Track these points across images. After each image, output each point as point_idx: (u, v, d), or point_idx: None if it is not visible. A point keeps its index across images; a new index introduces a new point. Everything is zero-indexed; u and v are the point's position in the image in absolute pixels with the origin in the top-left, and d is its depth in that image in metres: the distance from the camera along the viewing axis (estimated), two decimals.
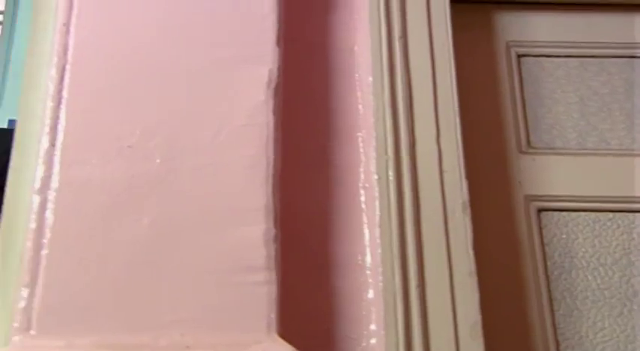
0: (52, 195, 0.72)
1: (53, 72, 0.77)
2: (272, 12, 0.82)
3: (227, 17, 0.82)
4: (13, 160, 0.76)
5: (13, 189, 0.74)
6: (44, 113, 0.75)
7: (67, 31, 0.79)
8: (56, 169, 0.73)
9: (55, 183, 0.72)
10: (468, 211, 0.81)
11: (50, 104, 0.75)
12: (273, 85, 0.79)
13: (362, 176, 0.83)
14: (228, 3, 0.82)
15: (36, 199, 0.71)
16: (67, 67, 0.77)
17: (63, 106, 0.76)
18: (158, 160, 0.74)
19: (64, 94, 0.76)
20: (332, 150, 0.85)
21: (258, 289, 0.69)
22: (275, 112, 0.77)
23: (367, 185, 0.82)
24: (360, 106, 0.87)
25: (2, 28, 6.07)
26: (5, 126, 5.46)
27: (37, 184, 0.72)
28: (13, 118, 5.45)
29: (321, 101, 0.87)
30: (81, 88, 0.77)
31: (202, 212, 0.72)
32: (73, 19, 0.79)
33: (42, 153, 0.73)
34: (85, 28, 0.79)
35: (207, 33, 0.80)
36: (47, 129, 0.75)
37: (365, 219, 0.81)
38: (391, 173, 0.81)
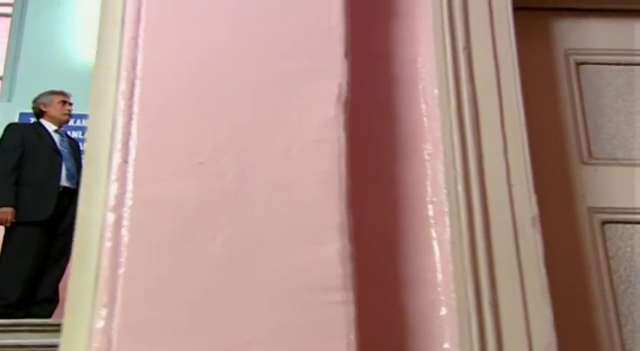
0: (126, 212, 0.72)
1: (123, 86, 0.77)
2: (339, 24, 0.81)
3: (294, 30, 0.81)
4: (83, 176, 0.76)
5: (85, 206, 0.74)
6: (115, 129, 0.75)
7: (136, 45, 0.78)
8: (130, 186, 0.73)
9: (129, 200, 0.72)
10: (538, 226, 0.80)
11: (121, 120, 0.75)
12: (343, 99, 0.78)
13: (429, 190, 0.82)
14: (295, 15, 0.81)
15: (110, 217, 0.71)
16: (137, 81, 0.77)
17: (134, 122, 0.75)
18: (230, 177, 0.74)
19: (135, 109, 0.76)
20: (397, 163, 0.84)
21: (335, 309, 0.69)
22: (346, 128, 0.77)
23: (435, 199, 0.82)
24: (424, 119, 0.86)
25: (11, 22, 6.04)
26: (17, 119, 5.47)
27: (112, 202, 0.72)
28: (24, 111, 5.43)
29: (385, 114, 0.86)
30: (151, 103, 0.76)
31: (276, 230, 0.72)
32: (141, 33, 0.79)
33: (115, 169, 0.73)
34: (153, 41, 0.79)
35: (275, 46, 0.80)
36: (119, 145, 0.74)
37: (434, 234, 0.80)
38: (460, 188, 0.80)
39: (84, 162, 0.76)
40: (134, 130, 0.75)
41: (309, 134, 0.76)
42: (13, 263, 3.75)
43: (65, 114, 4.15)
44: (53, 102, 4.12)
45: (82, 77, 5.55)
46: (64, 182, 3.95)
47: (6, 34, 6.10)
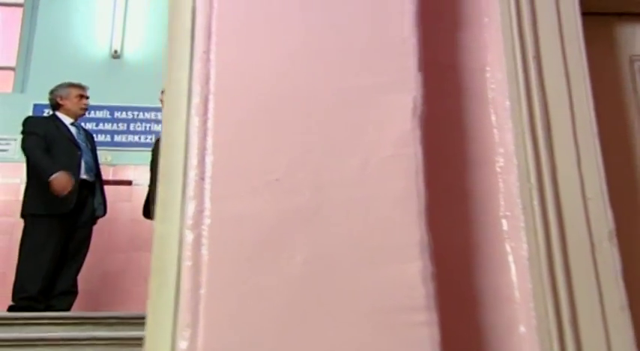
0: (205, 231, 0.71)
1: (197, 101, 0.76)
2: (412, 35, 0.80)
3: (367, 42, 0.79)
4: (159, 193, 0.75)
5: (162, 224, 0.73)
6: (190, 145, 0.74)
7: (208, 60, 0.77)
8: (207, 203, 0.72)
9: (207, 218, 0.71)
10: (615, 240, 0.78)
11: (196, 136, 0.74)
12: (418, 113, 0.77)
13: (502, 204, 0.81)
14: (367, 27, 0.80)
15: (189, 236, 0.71)
16: (210, 96, 0.76)
17: (209, 138, 0.74)
18: (307, 194, 0.73)
19: (209, 125, 0.75)
20: (468, 177, 0.82)
21: (419, 330, 0.68)
22: (422, 142, 0.75)
23: (508, 214, 0.80)
24: (495, 130, 0.85)
25: (23, 11, 6.02)
26: (30, 111, 5.45)
27: (190, 220, 0.71)
28: (38, 102, 5.43)
29: (453, 125, 0.85)
30: (225, 119, 0.75)
31: (355, 248, 0.71)
32: (213, 47, 0.78)
33: (192, 187, 0.72)
34: (225, 56, 0.77)
35: (348, 59, 0.78)
36: (195, 162, 0.73)
37: (509, 249, 0.79)
38: (536, 202, 0.79)
39: (159, 178, 0.75)
40: (209, 147, 0.74)
41: (386, 149, 0.75)
42: (34, 255, 3.76)
43: (82, 108, 4.15)
44: (70, 95, 4.11)
45: (97, 68, 5.54)
46: (83, 175, 3.96)
47: (18, 24, 6.08)
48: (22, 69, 5.90)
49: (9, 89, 5.91)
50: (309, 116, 0.76)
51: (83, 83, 4.41)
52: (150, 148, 5.33)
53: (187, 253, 0.70)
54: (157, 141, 4.26)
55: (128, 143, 5.45)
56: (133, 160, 5.39)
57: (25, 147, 3.91)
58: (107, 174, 4.77)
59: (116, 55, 5.68)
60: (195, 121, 0.75)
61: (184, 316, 0.68)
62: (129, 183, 5.30)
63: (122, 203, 4.67)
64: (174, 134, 0.76)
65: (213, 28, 0.79)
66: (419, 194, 0.73)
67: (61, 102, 4.13)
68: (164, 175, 0.76)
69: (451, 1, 0.90)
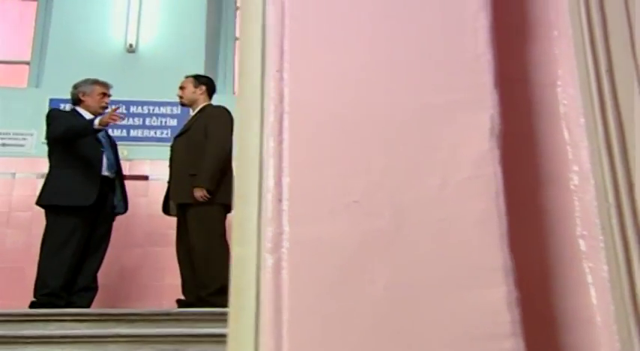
0: (285, 254, 0.70)
1: (271, 120, 0.74)
2: (487, 51, 0.78)
3: (440, 59, 0.78)
4: (235, 214, 0.74)
5: (239, 246, 0.72)
6: (265, 166, 0.73)
7: (281, 78, 0.76)
8: (286, 226, 0.71)
9: (286, 242, 0.70)
10: None
11: (272, 157, 0.73)
12: (496, 131, 0.75)
13: (578, 224, 0.80)
14: (440, 44, 0.78)
15: (269, 259, 0.70)
16: (285, 116, 0.75)
17: (285, 158, 0.73)
18: (386, 216, 0.72)
19: (285, 145, 0.74)
20: (542, 196, 0.81)
21: None
22: (501, 162, 0.74)
23: (585, 233, 0.79)
24: (568, 147, 0.83)
25: (38, 5, 6.00)
26: (46, 106, 5.46)
27: (269, 243, 0.70)
28: (54, 97, 5.44)
29: (525, 143, 0.83)
30: (301, 139, 0.74)
31: (436, 273, 0.70)
32: (286, 65, 0.76)
33: (269, 209, 0.71)
34: (298, 75, 0.76)
35: (422, 76, 0.77)
36: (271, 183, 0.72)
37: (587, 270, 0.78)
38: (614, 221, 0.77)
39: (235, 199, 0.74)
40: (286, 167, 0.73)
41: (464, 170, 0.73)
42: (56, 252, 3.78)
43: (102, 106, 4.15)
44: (94, 92, 4.12)
45: (112, 62, 5.53)
46: (104, 172, 3.96)
47: (32, 18, 6.07)
48: (36, 63, 5.90)
49: (24, 84, 5.91)
50: (386, 136, 0.74)
51: (99, 78, 4.41)
52: (166, 143, 5.33)
53: (267, 276, 0.69)
54: (176, 137, 4.25)
55: (144, 138, 5.46)
56: (149, 154, 5.40)
57: (51, 131, 3.90)
58: (124, 169, 4.76)
59: (131, 49, 5.68)
60: (270, 141, 0.74)
61: (268, 341, 0.67)
62: (145, 178, 5.30)
63: (139, 198, 4.68)
64: (247, 155, 0.75)
65: (286, 46, 0.77)
66: (500, 216, 0.72)
67: (82, 98, 4.13)
68: (240, 197, 0.74)
69: (519, 15, 0.88)
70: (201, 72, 5.38)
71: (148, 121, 5.47)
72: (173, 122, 5.52)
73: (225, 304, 2.72)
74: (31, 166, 5.29)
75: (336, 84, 0.76)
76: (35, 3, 6.16)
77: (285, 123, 0.74)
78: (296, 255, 0.70)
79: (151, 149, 5.38)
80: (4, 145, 5.33)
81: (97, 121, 3.77)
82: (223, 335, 2.66)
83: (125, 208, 4.18)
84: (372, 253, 0.70)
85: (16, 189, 5.27)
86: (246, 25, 0.81)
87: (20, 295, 4.74)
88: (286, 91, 0.75)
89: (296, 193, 0.72)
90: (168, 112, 5.54)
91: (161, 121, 5.52)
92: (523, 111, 0.85)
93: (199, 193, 3.86)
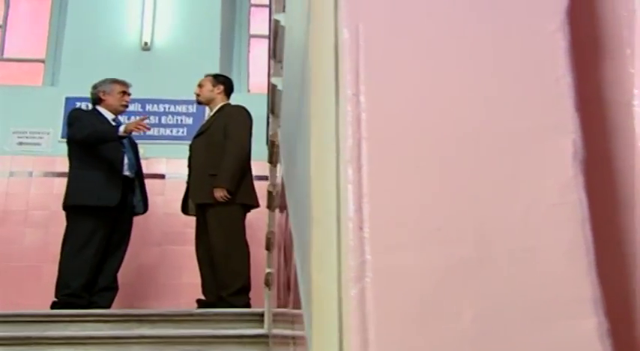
0: (368, 284, 0.68)
1: (349, 146, 0.73)
2: (566, 73, 0.77)
3: (520, 83, 0.76)
4: (313, 240, 0.73)
5: (319, 274, 0.71)
6: (344, 193, 0.72)
7: (358, 102, 0.74)
8: (369, 255, 0.69)
9: (369, 271, 0.69)
10: None
11: (351, 183, 0.72)
12: (579, 157, 0.74)
13: None
14: (519, 66, 0.77)
15: (353, 290, 0.68)
16: (363, 142, 0.73)
17: (365, 185, 0.72)
18: (470, 244, 0.70)
19: (364, 171, 0.72)
20: (622, 222, 0.79)
21: None
22: (586, 189, 0.72)
23: None
24: None
25: (52, 3, 5.98)
26: (62, 104, 5.48)
27: (352, 273, 0.69)
28: (70, 95, 5.46)
29: (603, 166, 0.81)
30: (381, 165, 0.72)
31: (523, 304, 0.68)
32: (362, 88, 0.75)
33: (350, 237, 0.70)
34: (376, 99, 0.74)
35: (501, 101, 0.75)
36: (351, 211, 0.71)
37: None
38: None
39: (312, 227, 0.73)
40: (366, 195, 0.71)
41: (549, 197, 0.72)
42: (78, 252, 3.78)
43: (123, 105, 4.15)
44: (114, 91, 4.11)
45: (127, 60, 5.52)
46: (125, 172, 3.96)
47: (47, 15, 6.07)
48: (51, 61, 5.90)
49: (39, 82, 5.91)
50: (467, 162, 0.73)
51: (115, 76, 4.41)
52: (182, 142, 5.33)
53: (351, 307, 0.67)
54: (194, 137, 4.24)
55: (160, 136, 5.45)
56: (165, 153, 5.40)
57: (74, 132, 3.90)
58: None
59: (146, 47, 5.67)
60: (348, 167, 0.72)
61: None
62: (162, 177, 5.31)
63: (155, 197, 4.68)
64: (324, 180, 0.74)
65: (361, 69, 0.75)
66: (587, 244, 0.70)
67: (103, 97, 4.13)
68: (318, 223, 0.73)
69: (591, 33, 0.86)
70: (216, 69, 5.38)
71: (163, 120, 5.47)
72: (189, 121, 5.51)
73: (245, 305, 2.75)
74: (47, 164, 5.31)
75: (416, 108, 0.74)
76: (50, 0, 6.15)
77: (364, 149, 0.73)
78: (380, 285, 0.68)
79: (167, 148, 5.38)
80: (20, 143, 5.34)
81: (121, 129, 3.77)
82: (246, 336, 2.68)
83: (145, 209, 4.18)
84: (457, 283, 0.69)
85: (33, 188, 5.29)
86: (317, 46, 0.79)
87: (38, 294, 4.77)
88: (364, 116, 0.74)
89: (377, 220, 0.70)
90: (184, 110, 5.54)
91: (177, 120, 5.52)
92: (598, 132, 0.83)
93: (220, 194, 3.86)
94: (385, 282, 0.68)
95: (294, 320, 1.32)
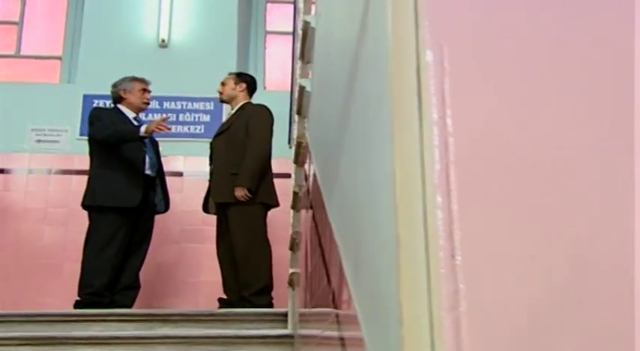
0: (462, 314, 0.67)
1: (436, 170, 0.72)
2: None
3: (611, 106, 0.75)
4: (401, 267, 0.72)
5: (410, 302, 0.70)
6: (432, 219, 0.71)
7: (445, 125, 0.73)
8: (462, 284, 0.68)
9: (463, 301, 0.68)
10: None
11: (440, 210, 0.71)
12: None
13: None
14: (609, 89, 0.75)
15: (447, 319, 0.67)
16: (451, 166, 0.72)
17: (455, 212, 0.71)
18: (566, 272, 0.69)
19: (453, 197, 0.71)
20: None
21: None
22: None
23: None
24: None
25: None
26: (80, 102, 5.47)
27: (446, 302, 0.68)
28: (88, 93, 5.45)
29: None
30: (470, 190, 0.71)
31: (625, 335, 0.67)
32: (448, 111, 0.74)
33: (442, 265, 0.69)
34: (462, 121, 0.73)
35: (595, 125, 0.74)
36: (441, 239, 0.70)
37: None
38: None
39: (400, 254, 0.72)
40: (456, 221, 0.70)
41: None
42: (100, 250, 3.79)
43: (144, 102, 4.14)
44: (134, 89, 4.11)
45: (144, 57, 5.52)
46: (147, 170, 3.96)
47: (64, 12, 6.06)
48: (68, 58, 5.90)
49: (55, 79, 5.91)
50: (561, 187, 0.71)
51: (133, 74, 4.40)
52: (200, 139, 5.33)
53: (446, 338, 0.67)
54: (216, 136, 4.24)
55: (177, 134, 5.44)
56: (183, 151, 5.39)
57: (95, 132, 3.90)
58: None
59: (163, 44, 5.66)
60: (436, 192, 0.71)
61: None
62: (180, 174, 5.30)
63: (173, 194, 4.67)
64: (410, 206, 0.73)
65: (447, 92, 0.74)
66: None
67: (124, 95, 4.13)
68: (406, 249, 0.72)
69: None
70: (233, 66, 5.36)
71: (181, 117, 5.47)
72: (206, 118, 5.51)
73: (268, 304, 2.73)
74: (66, 162, 5.31)
75: (504, 132, 0.73)
76: None
77: (452, 173, 0.72)
78: (475, 314, 0.67)
79: (185, 145, 5.38)
80: (39, 141, 5.35)
81: (143, 129, 3.77)
82: (270, 336, 2.67)
83: (166, 207, 4.18)
84: (554, 313, 0.67)
85: (52, 185, 5.30)
86: (397, 66, 0.78)
87: (59, 292, 4.79)
88: (451, 140, 0.73)
89: (469, 248, 0.69)
90: (202, 107, 5.53)
91: (195, 117, 5.51)
92: None
93: (241, 193, 3.85)
94: (480, 312, 0.67)
95: (345, 321, 1.32)
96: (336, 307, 1.45)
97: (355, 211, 1.20)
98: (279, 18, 6.07)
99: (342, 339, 1.33)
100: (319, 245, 1.95)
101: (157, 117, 4.71)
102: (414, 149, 0.74)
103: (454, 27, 0.77)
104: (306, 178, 2.69)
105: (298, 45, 3.04)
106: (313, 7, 2.57)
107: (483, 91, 0.75)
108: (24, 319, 3.41)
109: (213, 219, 4.25)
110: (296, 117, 3.00)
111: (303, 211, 2.95)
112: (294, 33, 3.46)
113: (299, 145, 2.88)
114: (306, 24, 2.44)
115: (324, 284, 1.74)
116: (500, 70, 0.75)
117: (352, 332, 1.15)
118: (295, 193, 3.05)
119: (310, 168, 2.49)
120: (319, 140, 2.17)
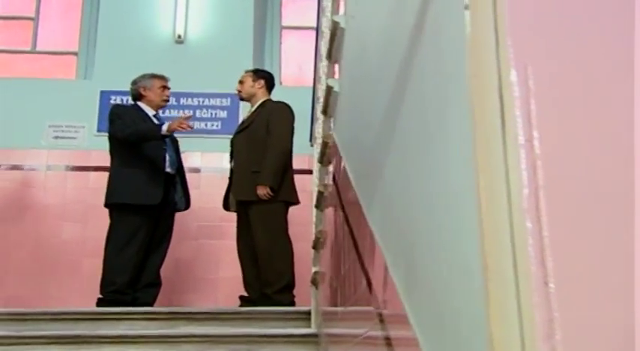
0: (558, 343, 0.66)
1: (526, 192, 0.70)
2: None
3: None
4: (490, 293, 0.71)
5: (501, 327, 0.69)
6: (523, 244, 0.69)
7: (532, 148, 0.72)
8: (556, 312, 0.67)
9: (559, 329, 0.67)
10: None
11: (530, 236, 0.69)
12: None
13: None
14: None
15: (543, 348, 0.66)
16: (540, 190, 0.71)
17: (545, 237, 0.69)
18: None
19: (543, 222, 0.70)
20: None
21: None
22: None
23: None
24: None
25: None
26: (97, 98, 5.47)
27: (541, 330, 0.67)
28: (104, 89, 5.45)
29: None
30: (560, 215, 0.70)
31: None
32: (535, 134, 0.72)
33: (536, 293, 0.68)
34: (550, 144, 0.72)
35: None
36: (532, 265, 0.69)
37: None
38: None
39: (487, 280, 0.71)
40: (547, 248, 0.69)
41: None
42: (122, 248, 3.79)
43: (164, 99, 4.14)
44: (154, 86, 4.10)
45: (160, 53, 5.51)
46: (167, 168, 3.96)
47: (79, 8, 6.05)
48: (84, 54, 5.89)
49: (72, 75, 5.91)
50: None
51: (149, 70, 4.39)
52: (217, 135, 5.32)
53: None
54: (237, 133, 4.23)
55: (194, 130, 5.43)
56: (200, 147, 5.39)
57: (116, 130, 3.89)
58: None
59: (179, 40, 5.64)
60: (526, 217, 0.70)
61: None
62: (197, 170, 5.30)
63: (191, 191, 4.66)
64: (496, 232, 0.71)
65: (533, 113, 0.73)
66: None
67: (144, 93, 4.12)
68: (493, 273, 0.71)
69: None
70: (250, 62, 5.35)
71: (198, 113, 5.46)
72: (223, 114, 5.50)
73: (290, 302, 2.73)
74: (83, 158, 5.32)
75: (592, 154, 0.72)
76: None
77: (542, 198, 0.70)
78: (572, 344, 0.66)
79: (202, 141, 5.37)
80: (56, 137, 5.35)
81: (164, 128, 3.76)
82: (295, 336, 2.67)
83: (187, 205, 4.18)
84: None
85: (69, 182, 5.31)
86: (477, 85, 0.77)
87: (78, 288, 4.81)
88: (539, 163, 0.71)
89: (562, 275, 0.68)
90: (218, 103, 5.52)
91: (211, 113, 5.50)
92: None
93: (262, 191, 3.85)
94: (577, 340, 0.66)
95: (389, 320, 1.32)
96: (380, 312, 1.44)
97: (407, 224, 1.19)
98: (295, 13, 6.05)
99: (387, 338, 1.32)
100: (355, 247, 1.94)
101: (178, 114, 4.71)
102: (498, 172, 0.73)
103: (538, 45, 0.75)
104: (334, 178, 2.67)
105: (323, 44, 3.02)
106: (342, 7, 2.55)
107: (571, 113, 0.73)
108: (50, 317, 3.42)
109: (230, 215, 4.25)
110: (321, 116, 2.98)
111: (328, 211, 2.94)
112: (317, 30, 3.43)
113: (325, 145, 2.86)
114: (335, 24, 2.42)
115: (364, 287, 1.73)
116: (588, 89, 0.74)
117: (403, 332, 1.13)
118: (320, 193, 3.04)
119: (340, 168, 2.47)
120: (352, 141, 2.16)
